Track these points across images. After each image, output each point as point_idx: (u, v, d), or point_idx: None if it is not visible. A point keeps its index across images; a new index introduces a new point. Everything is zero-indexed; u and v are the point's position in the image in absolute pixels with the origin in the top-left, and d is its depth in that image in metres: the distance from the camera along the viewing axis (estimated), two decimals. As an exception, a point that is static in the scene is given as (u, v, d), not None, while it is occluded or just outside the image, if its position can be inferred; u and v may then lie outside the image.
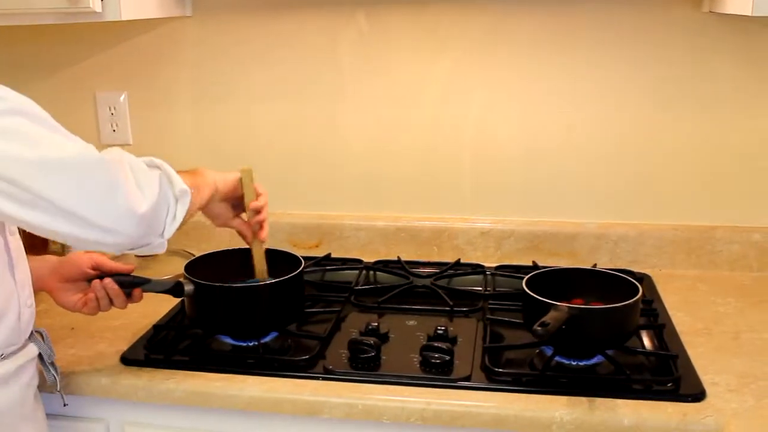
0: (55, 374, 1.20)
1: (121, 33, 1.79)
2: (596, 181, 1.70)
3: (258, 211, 1.33)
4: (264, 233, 1.36)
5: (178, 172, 1.17)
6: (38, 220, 0.95)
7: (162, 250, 1.09)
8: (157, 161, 1.10)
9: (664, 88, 1.63)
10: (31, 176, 0.93)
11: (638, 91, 1.64)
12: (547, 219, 1.73)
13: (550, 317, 1.13)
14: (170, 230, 1.08)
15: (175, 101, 1.82)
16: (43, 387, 1.22)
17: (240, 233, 1.37)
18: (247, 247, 1.41)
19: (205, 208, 1.27)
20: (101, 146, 1.84)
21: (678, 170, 1.67)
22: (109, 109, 1.84)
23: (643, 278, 1.61)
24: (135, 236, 1.02)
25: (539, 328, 1.09)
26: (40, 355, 1.19)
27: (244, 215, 1.35)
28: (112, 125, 1.85)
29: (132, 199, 1.00)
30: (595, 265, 1.65)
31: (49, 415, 1.26)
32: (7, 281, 1.09)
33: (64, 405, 1.22)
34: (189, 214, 1.15)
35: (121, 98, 1.83)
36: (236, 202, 1.33)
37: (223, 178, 1.29)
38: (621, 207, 1.71)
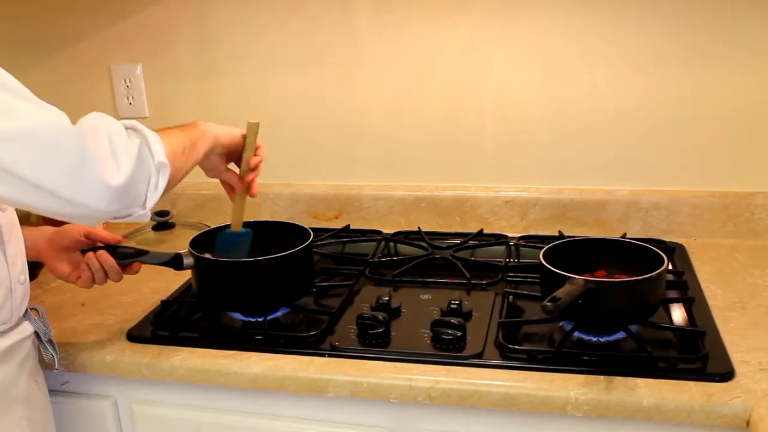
0: (53, 352, 1.18)
1: (135, 4, 1.76)
2: (626, 146, 1.61)
3: (254, 168, 1.27)
4: (255, 189, 1.30)
5: (175, 127, 1.12)
6: (7, 194, 0.91)
7: (145, 221, 1.05)
8: (140, 127, 1.03)
9: (699, 45, 1.52)
10: None
11: (670, 48, 1.54)
12: (574, 186, 1.66)
13: (562, 291, 1.07)
14: (152, 200, 1.02)
15: (191, 72, 1.79)
16: (45, 365, 1.20)
17: (228, 185, 1.30)
18: (260, 220, 1.39)
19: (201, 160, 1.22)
20: (118, 120, 1.86)
21: (715, 133, 1.57)
22: (125, 81, 1.81)
23: (675, 248, 1.53)
24: (111, 210, 0.96)
25: (549, 304, 1.03)
26: (37, 334, 1.17)
27: (232, 166, 1.29)
28: (128, 98, 1.82)
29: (105, 171, 0.94)
30: (624, 235, 1.57)
31: (57, 392, 1.25)
32: None
33: (63, 383, 1.20)
34: (184, 172, 1.10)
35: (137, 71, 1.81)
36: (232, 156, 1.27)
37: (227, 132, 1.22)
38: (653, 173, 1.62)
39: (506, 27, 1.59)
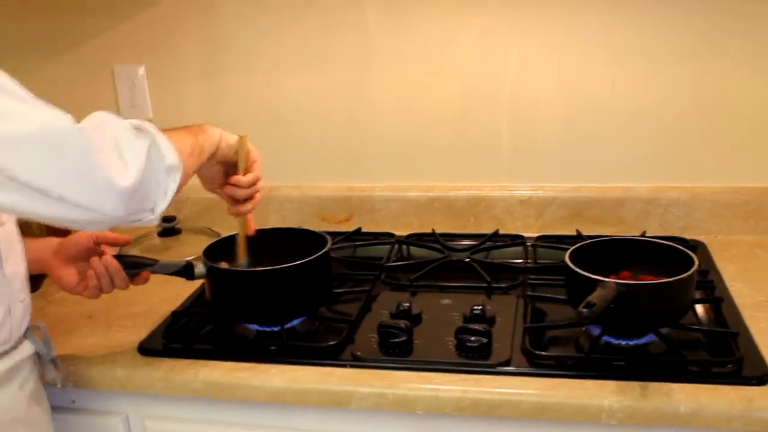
0: (55, 373, 1.14)
1: (138, 3, 1.70)
2: (644, 142, 1.57)
3: (241, 186, 1.20)
4: (243, 208, 1.22)
5: (181, 128, 1.07)
6: (8, 200, 0.85)
7: (154, 225, 1.00)
8: (147, 126, 0.97)
9: (718, 40, 1.48)
10: None
11: (689, 43, 1.50)
12: (591, 184, 1.61)
13: (596, 296, 1.03)
14: (162, 206, 0.97)
15: (197, 73, 1.74)
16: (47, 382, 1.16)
17: (227, 198, 1.24)
18: (274, 227, 1.36)
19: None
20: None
21: (734, 128, 1.53)
22: (128, 83, 1.76)
23: (697, 246, 1.49)
24: (120, 214, 0.91)
25: (585, 310, 0.99)
26: (38, 353, 1.12)
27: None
28: (131, 100, 1.77)
29: (113, 173, 0.89)
30: (644, 233, 1.53)
31: (64, 409, 1.21)
32: None
33: (71, 402, 1.16)
34: (188, 177, 1.05)
35: (140, 72, 1.76)
36: (231, 168, 1.21)
37: (226, 139, 1.17)
38: (672, 169, 1.58)
39: (521, 22, 1.55)
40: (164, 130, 1.01)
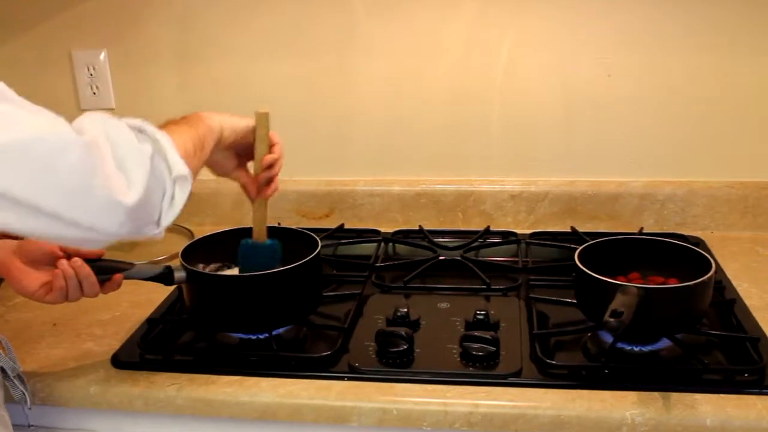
0: (23, 389, 1.02)
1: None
2: (640, 135, 1.52)
3: (270, 166, 1.12)
4: (271, 190, 1.15)
5: (180, 121, 0.96)
6: (1, 220, 0.75)
7: (159, 237, 0.89)
8: (148, 127, 0.86)
9: (716, 30, 1.43)
10: None
11: (686, 34, 1.44)
12: (585, 178, 1.55)
13: (620, 304, 0.95)
14: (169, 218, 0.86)
15: (163, 59, 1.62)
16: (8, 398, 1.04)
17: (244, 188, 1.15)
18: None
19: None
20: (80, 112, 1.67)
21: (732, 121, 1.48)
22: (88, 69, 1.63)
23: (697, 243, 1.44)
24: (122, 233, 0.81)
25: (612, 320, 0.91)
26: (2, 369, 1.00)
27: (250, 165, 1.14)
28: (92, 88, 1.65)
29: (114, 188, 0.78)
30: (641, 229, 1.48)
31: (32, 427, 1.09)
32: None
33: (29, 426, 1.05)
34: (195, 176, 0.94)
35: (101, 57, 1.63)
36: (243, 150, 1.12)
37: (232, 126, 1.06)
38: (668, 163, 1.53)
39: (514, 9, 1.48)
40: (162, 126, 0.90)
